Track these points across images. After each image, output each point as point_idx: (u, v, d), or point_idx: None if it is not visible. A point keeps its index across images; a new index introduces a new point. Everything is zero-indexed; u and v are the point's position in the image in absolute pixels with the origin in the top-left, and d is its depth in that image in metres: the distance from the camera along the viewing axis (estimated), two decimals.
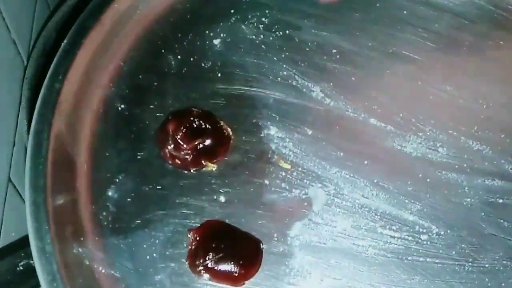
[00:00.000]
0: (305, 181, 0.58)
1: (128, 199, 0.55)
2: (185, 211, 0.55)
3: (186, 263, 0.53)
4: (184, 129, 0.56)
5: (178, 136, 0.56)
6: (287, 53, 0.63)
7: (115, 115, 0.58)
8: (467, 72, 0.64)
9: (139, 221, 0.54)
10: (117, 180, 0.56)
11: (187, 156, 0.56)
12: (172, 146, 0.56)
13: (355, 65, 0.63)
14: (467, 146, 0.60)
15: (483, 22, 0.66)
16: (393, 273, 0.55)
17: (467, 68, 0.64)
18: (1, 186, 0.58)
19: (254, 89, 0.61)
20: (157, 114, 0.59)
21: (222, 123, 0.58)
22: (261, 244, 0.54)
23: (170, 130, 0.56)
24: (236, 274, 0.52)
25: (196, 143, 0.56)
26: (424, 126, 0.61)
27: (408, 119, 0.61)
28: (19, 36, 0.63)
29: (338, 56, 0.63)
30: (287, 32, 0.64)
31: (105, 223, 0.54)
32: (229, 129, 0.58)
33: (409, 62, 0.64)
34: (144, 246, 0.54)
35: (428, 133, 0.60)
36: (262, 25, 0.64)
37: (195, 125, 0.57)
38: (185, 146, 0.56)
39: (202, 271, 0.52)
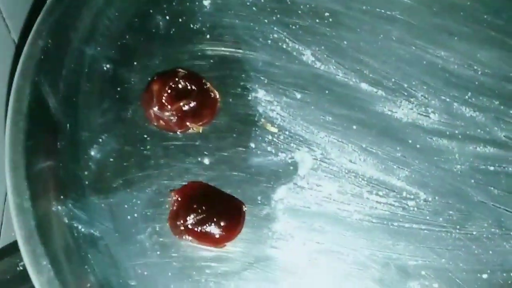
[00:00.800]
0: (291, 145, 0.57)
1: (111, 159, 0.55)
2: (168, 173, 0.55)
3: (167, 224, 0.52)
4: (169, 90, 0.55)
5: (163, 97, 0.55)
6: (278, 16, 0.61)
7: (100, 75, 0.58)
8: (462, 37, 0.62)
9: (121, 181, 0.54)
10: (101, 140, 0.55)
11: (171, 118, 0.55)
12: (157, 107, 0.55)
13: (347, 29, 0.62)
14: (460, 113, 0.59)
15: None
16: (378, 239, 0.54)
17: (463, 33, 0.62)
18: (0, 186, 0.58)
19: (243, 51, 0.60)
20: (143, 75, 0.58)
21: (208, 85, 0.57)
22: (243, 207, 0.53)
23: (155, 91, 0.55)
24: (217, 236, 0.52)
25: (181, 104, 0.55)
26: (416, 92, 0.59)
27: (400, 84, 0.60)
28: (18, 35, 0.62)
29: (330, 19, 0.62)
30: None
31: (87, 182, 0.53)
32: (215, 91, 0.57)
33: (404, 26, 0.62)
34: (126, 206, 0.53)
35: (420, 99, 0.59)
36: None
37: (180, 86, 0.56)
38: (169, 107, 0.55)
39: (183, 232, 0.52)
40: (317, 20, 0.62)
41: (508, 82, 0.60)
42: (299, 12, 0.62)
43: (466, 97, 0.59)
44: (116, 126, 0.56)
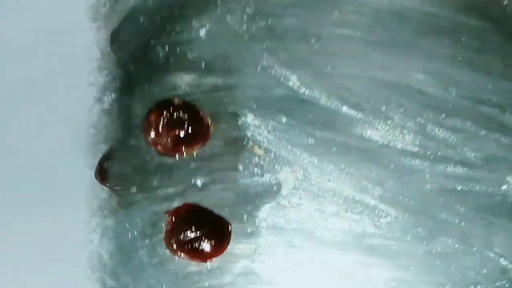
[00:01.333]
0: (276, 166, 0.63)
1: (115, 183, 0.62)
2: (165, 194, 0.62)
3: (163, 241, 0.60)
4: (165, 119, 0.62)
5: (159, 126, 0.62)
6: (268, 43, 0.67)
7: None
8: (441, 60, 0.66)
9: (124, 203, 0.61)
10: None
11: (168, 144, 0.62)
12: (154, 134, 0.62)
13: (331, 54, 0.66)
14: (433, 134, 0.63)
15: (464, 10, 0.67)
16: (351, 254, 0.60)
17: (442, 56, 0.66)
18: None
19: (235, 78, 0.65)
20: (144, 103, 0.65)
21: (201, 112, 0.63)
22: (230, 226, 0.60)
23: (152, 120, 0.62)
24: (206, 253, 0.59)
25: (176, 133, 0.62)
26: (393, 114, 0.64)
27: (378, 107, 0.64)
28: None
29: (316, 45, 0.66)
30: (269, 22, 0.68)
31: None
32: (208, 118, 0.64)
33: (385, 50, 0.66)
34: (127, 225, 0.61)
35: (397, 121, 0.64)
36: (246, 15, 0.68)
37: (175, 116, 0.62)
38: (165, 135, 0.61)
39: (176, 250, 0.59)
40: (304, 46, 0.66)
41: (481, 104, 0.64)
42: (288, 39, 0.67)
43: (440, 118, 0.64)
44: (119, 152, 0.63)
